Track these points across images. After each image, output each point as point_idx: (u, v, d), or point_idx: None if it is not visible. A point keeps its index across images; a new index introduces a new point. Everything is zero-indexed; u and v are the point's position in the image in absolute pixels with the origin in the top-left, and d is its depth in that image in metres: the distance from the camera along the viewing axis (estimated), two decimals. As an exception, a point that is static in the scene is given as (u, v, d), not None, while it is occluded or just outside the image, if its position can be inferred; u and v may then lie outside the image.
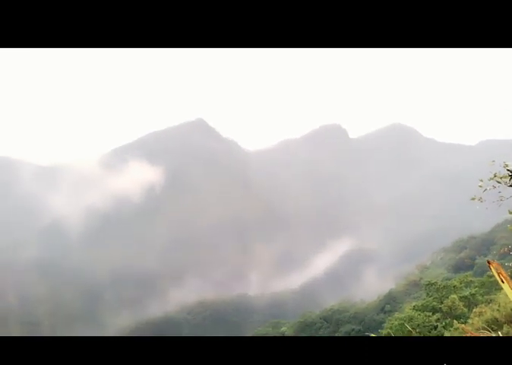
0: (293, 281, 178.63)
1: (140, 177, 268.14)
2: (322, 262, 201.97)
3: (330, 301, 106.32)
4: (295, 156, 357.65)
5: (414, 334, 25.25)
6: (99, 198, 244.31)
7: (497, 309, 16.39)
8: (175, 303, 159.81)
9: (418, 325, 27.59)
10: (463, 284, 36.54)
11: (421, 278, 76.05)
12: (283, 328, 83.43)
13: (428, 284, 38.73)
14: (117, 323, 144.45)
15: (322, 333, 73.01)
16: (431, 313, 29.97)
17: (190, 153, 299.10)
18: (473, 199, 6.66)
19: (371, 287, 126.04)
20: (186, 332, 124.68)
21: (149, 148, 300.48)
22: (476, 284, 36.63)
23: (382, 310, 73.30)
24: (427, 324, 27.73)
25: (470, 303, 30.52)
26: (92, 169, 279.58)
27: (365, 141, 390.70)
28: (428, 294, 37.85)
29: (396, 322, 29.43)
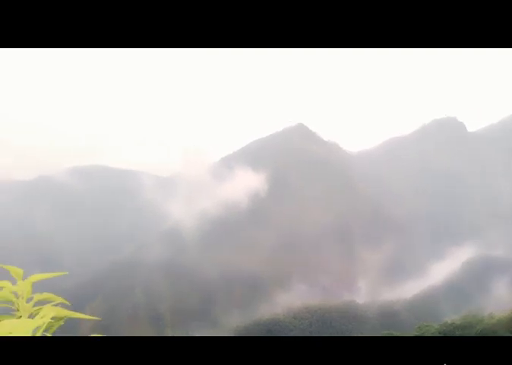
0: (406, 290, 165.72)
1: (245, 184, 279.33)
2: (440, 271, 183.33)
3: (451, 314, 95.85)
4: (403, 154, 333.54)
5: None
6: (211, 204, 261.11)
7: None
8: (281, 306, 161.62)
9: None
10: None
11: None
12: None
13: None
14: (229, 322, 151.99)
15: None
16: None
17: (292, 159, 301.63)
18: None
19: (501, 300, 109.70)
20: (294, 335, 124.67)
21: (253, 155, 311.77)
22: None
23: (517, 327, 62.71)
24: None
25: None
26: (203, 178, 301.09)
27: (485, 135, 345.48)
28: None
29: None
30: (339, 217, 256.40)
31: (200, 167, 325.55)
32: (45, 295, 1.87)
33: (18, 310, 1.81)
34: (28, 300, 1.85)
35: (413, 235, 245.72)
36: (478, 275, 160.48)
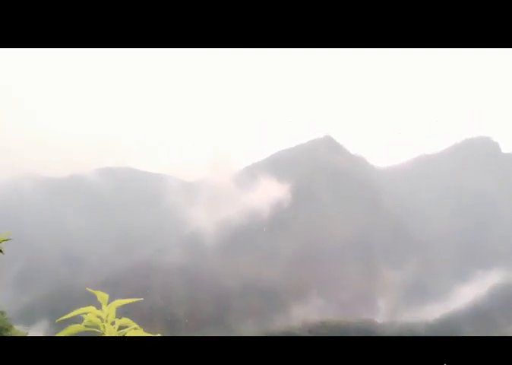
0: (428, 313, 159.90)
1: (268, 194, 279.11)
2: (465, 295, 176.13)
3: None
4: (433, 173, 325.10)
5: None
6: (232, 212, 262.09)
7: None
8: (297, 319, 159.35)
9: None
10: None
11: None
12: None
13: None
14: (242, 331, 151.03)
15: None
16: None
17: (317, 170, 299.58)
18: None
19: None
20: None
21: (278, 166, 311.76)
22: None
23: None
24: None
25: None
26: (227, 186, 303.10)
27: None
28: None
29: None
30: (362, 232, 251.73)
31: (224, 174, 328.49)
32: (124, 320, 1.99)
33: (104, 334, 1.93)
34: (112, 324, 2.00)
35: (437, 255, 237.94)
36: (505, 301, 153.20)
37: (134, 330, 1.97)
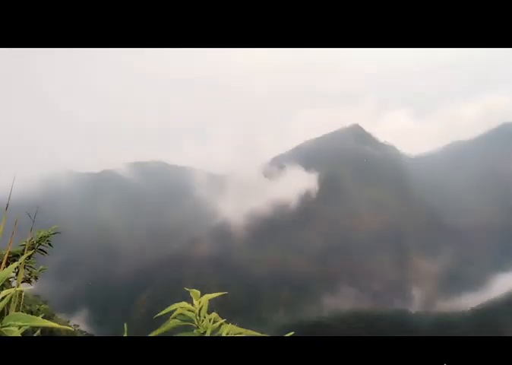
0: (464, 302, 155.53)
1: (296, 184, 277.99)
2: (503, 284, 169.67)
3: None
4: (466, 159, 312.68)
5: None
6: (260, 203, 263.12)
7: None
8: (328, 309, 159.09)
9: None
10: None
11: None
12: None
13: None
14: (274, 321, 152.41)
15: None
16: None
17: (345, 160, 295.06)
18: None
19: None
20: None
21: (305, 156, 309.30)
22: None
23: None
24: None
25: None
26: (254, 177, 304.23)
27: None
28: None
29: None
30: (393, 222, 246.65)
31: (252, 166, 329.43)
32: (213, 315, 2.14)
33: (198, 327, 2.02)
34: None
35: (473, 245, 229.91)
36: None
37: (226, 324, 2.08)
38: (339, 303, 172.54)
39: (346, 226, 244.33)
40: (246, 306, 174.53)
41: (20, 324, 1.54)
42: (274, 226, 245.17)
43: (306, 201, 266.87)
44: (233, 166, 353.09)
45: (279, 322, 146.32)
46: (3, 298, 1.55)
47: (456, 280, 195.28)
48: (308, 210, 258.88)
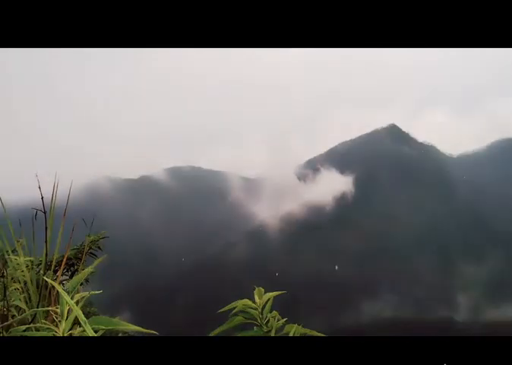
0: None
1: (331, 186, 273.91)
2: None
3: None
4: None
5: None
6: (295, 206, 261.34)
7: None
8: (367, 315, 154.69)
9: None
10: None
11: None
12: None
13: None
14: (312, 327, 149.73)
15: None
16: None
17: (381, 161, 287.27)
18: None
19: None
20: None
21: (340, 157, 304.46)
22: None
23: None
24: None
25: None
26: (289, 180, 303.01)
27: None
28: None
29: None
30: (435, 225, 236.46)
31: (286, 169, 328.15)
32: (274, 313, 2.09)
33: (261, 326, 1.99)
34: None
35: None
36: None
37: (293, 325, 2.07)
38: (378, 310, 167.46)
39: (384, 229, 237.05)
40: (282, 311, 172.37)
41: (103, 327, 1.56)
42: (310, 230, 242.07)
43: (342, 203, 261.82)
44: (268, 169, 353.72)
45: (317, 328, 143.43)
46: (76, 302, 1.62)
47: (506, 287, 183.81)
48: (344, 212, 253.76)
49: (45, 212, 2.58)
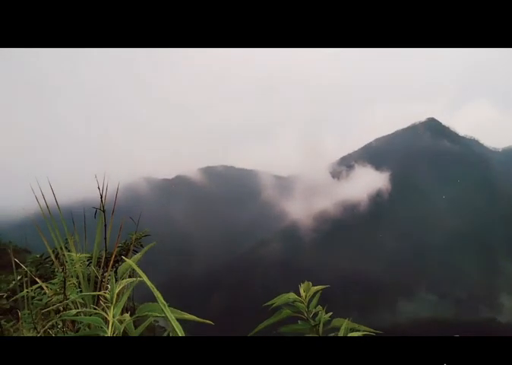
0: None
1: (366, 184, 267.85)
2: None
3: None
4: None
5: None
6: (328, 204, 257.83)
7: None
8: (405, 316, 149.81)
9: None
10: None
11: None
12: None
13: None
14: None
15: None
16: None
17: (419, 156, 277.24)
18: None
19: None
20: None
21: (375, 154, 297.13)
22: None
23: None
24: None
25: None
26: (322, 178, 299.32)
27: None
28: None
29: None
30: (477, 222, 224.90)
31: (319, 166, 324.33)
32: (318, 308, 2.13)
33: (308, 320, 2.02)
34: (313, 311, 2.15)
35: None
36: None
37: (342, 319, 2.13)
38: (416, 310, 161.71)
39: (422, 227, 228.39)
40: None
41: (157, 314, 1.52)
42: (344, 228, 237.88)
43: (377, 201, 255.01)
44: (300, 167, 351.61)
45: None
46: (123, 287, 1.67)
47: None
48: (379, 210, 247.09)
49: (104, 211, 2.73)
